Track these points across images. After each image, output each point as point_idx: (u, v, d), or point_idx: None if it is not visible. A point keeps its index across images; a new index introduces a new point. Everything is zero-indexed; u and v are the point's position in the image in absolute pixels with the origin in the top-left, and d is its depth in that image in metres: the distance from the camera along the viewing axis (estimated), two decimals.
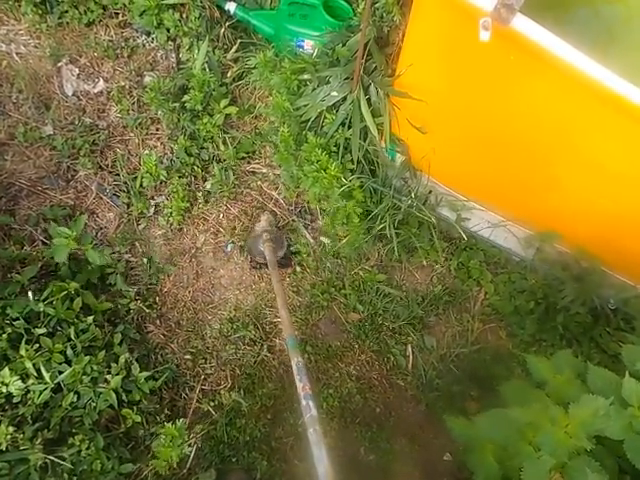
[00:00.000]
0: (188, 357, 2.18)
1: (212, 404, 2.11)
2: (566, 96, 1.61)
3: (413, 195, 2.30)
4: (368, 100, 2.22)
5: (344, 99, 2.26)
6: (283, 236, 2.45)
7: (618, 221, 1.95)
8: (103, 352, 1.92)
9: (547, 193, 2.10)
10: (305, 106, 2.34)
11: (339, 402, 2.19)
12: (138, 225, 2.40)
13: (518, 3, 1.35)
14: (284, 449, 2.10)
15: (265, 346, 2.24)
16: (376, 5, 2.10)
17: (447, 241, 2.49)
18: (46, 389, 1.71)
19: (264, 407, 2.14)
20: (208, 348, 2.21)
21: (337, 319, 2.36)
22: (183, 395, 2.12)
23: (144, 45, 2.68)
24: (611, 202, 1.91)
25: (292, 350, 1.63)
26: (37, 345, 1.80)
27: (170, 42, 2.63)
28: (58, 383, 1.76)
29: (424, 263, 2.47)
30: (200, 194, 2.46)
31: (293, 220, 2.52)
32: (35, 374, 1.73)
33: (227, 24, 2.58)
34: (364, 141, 2.30)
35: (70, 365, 1.80)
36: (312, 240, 2.50)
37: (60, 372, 1.78)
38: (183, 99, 2.45)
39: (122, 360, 1.90)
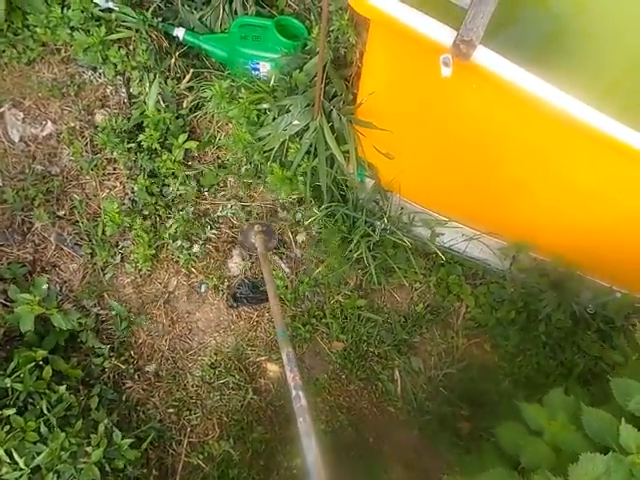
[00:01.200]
0: (171, 410, 2.10)
1: (201, 457, 2.04)
2: (529, 119, 1.59)
3: (386, 218, 2.26)
4: (332, 127, 2.15)
5: (307, 127, 2.19)
6: (274, 228, 2.38)
7: (591, 233, 1.95)
8: (80, 421, 1.83)
9: (518, 206, 2.09)
10: (268, 136, 2.27)
11: (332, 437, 2.15)
12: (104, 275, 2.28)
13: (478, 39, 1.31)
14: None
15: (250, 389, 2.18)
16: (331, 29, 2.04)
17: (424, 258, 2.46)
18: (22, 475, 1.61)
19: (256, 453, 2.08)
20: (192, 398, 2.14)
21: (321, 350, 2.31)
22: (170, 451, 2.05)
23: (91, 81, 2.54)
24: (582, 215, 1.92)
25: (282, 341, 1.63)
26: (8, 427, 1.69)
27: (119, 77, 2.50)
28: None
29: (403, 283, 2.43)
30: (167, 235, 2.36)
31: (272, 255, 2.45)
32: (8, 460, 1.62)
33: (177, 53, 2.47)
34: (331, 168, 2.25)
35: (46, 443, 1.70)
36: (288, 270, 2.44)
37: (36, 453, 1.67)
38: (139, 138, 2.34)
39: (102, 428, 1.81)
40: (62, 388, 1.84)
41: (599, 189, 1.72)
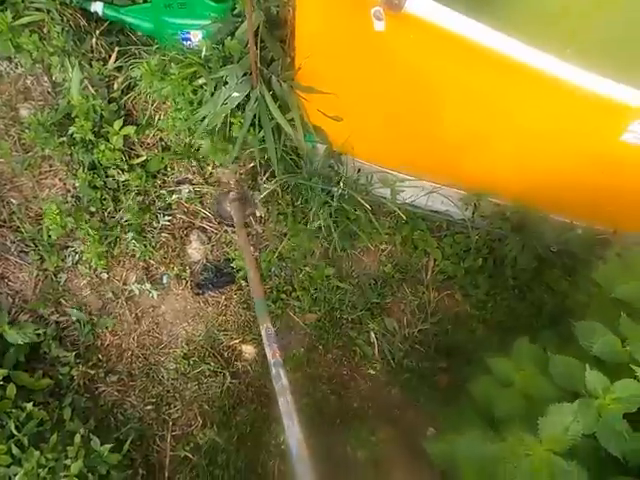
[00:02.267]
0: (150, 407, 2.06)
1: (187, 448, 2.02)
2: (471, 66, 1.52)
3: (342, 182, 2.19)
4: (273, 95, 2.04)
5: (248, 98, 2.07)
6: (249, 194, 2.27)
7: (544, 172, 1.93)
8: (55, 435, 1.77)
9: (471, 153, 2.04)
10: (209, 113, 2.14)
11: (316, 408, 2.16)
12: (58, 280, 2.17)
13: None
14: (272, 472, 2.06)
15: (228, 374, 2.15)
16: None
17: (387, 218, 2.42)
18: None
19: (242, 436, 2.08)
20: (169, 392, 2.10)
21: (295, 324, 2.29)
22: (155, 448, 2.02)
23: (8, 73, 2.33)
24: (533, 156, 1.89)
25: (261, 315, 1.59)
26: None
27: (37, 65, 2.30)
28: None
29: (369, 246, 2.40)
30: (118, 229, 2.24)
31: (225, 231, 2.36)
32: None
33: (98, 31, 2.28)
34: (279, 138, 2.14)
35: (20, 464, 1.64)
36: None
37: (13, 475, 1.62)
38: (70, 131, 2.18)
39: (78, 439, 1.76)
40: (29, 405, 1.77)
41: (546, 129, 1.68)
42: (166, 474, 1.98)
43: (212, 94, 2.10)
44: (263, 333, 1.51)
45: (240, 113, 2.11)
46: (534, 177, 2.01)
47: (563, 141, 1.72)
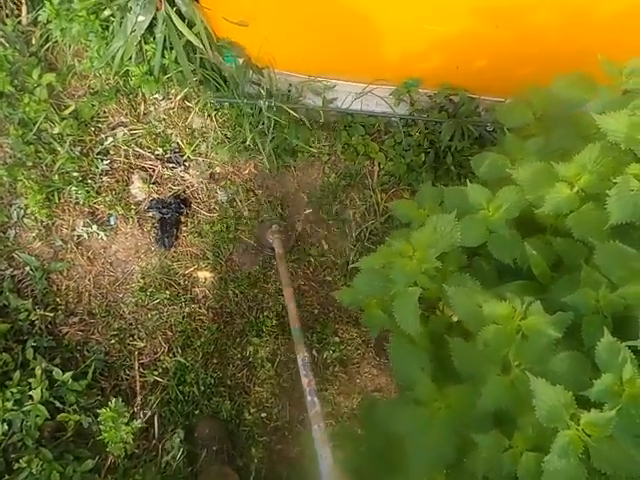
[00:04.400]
0: (114, 341, 2.11)
1: (156, 373, 2.08)
2: None
3: (265, 94, 2.18)
4: (179, 13, 2.02)
5: (155, 20, 2.05)
6: (290, 228, 2.33)
7: (459, 42, 1.90)
8: (18, 372, 1.83)
9: (390, 39, 2.01)
10: (123, 44, 2.12)
11: (277, 320, 2.20)
12: (7, 237, 2.20)
13: None
14: (241, 383, 2.12)
15: (187, 299, 2.19)
16: None
17: (324, 129, 2.42)
18: None
19: (207, 354, 2.13)
20: (131, 324, 2.14)
21: (248, 245, 2.31)
22: (124, 377, 2.08)
23: None
24: (441, 24, 1.85)
25: (298, 343, 1.63)
26: None
27: None
28: None
29: (311, 159, 2.40)
30: (57, 179, 2.25)
31: (165, 167, 2.37)
32: None
33: None
34: (195, 57, 2.13)
35: None
36: (189, 176, 2.38)
37: None
38: None
39: (39, 372, 1.82)
40: None
41: None
42: (138, 399, 2.04)
43: (120, 24, 2.08)
44: (299, 362, 1.53)
45: (152, 39, 2.09)
46: (444, 49, 1.98)
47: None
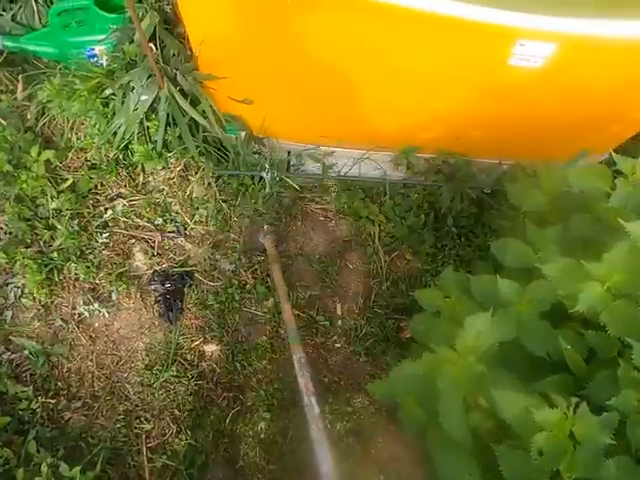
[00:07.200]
0: (120, 425, 2.02)
1: (165, 457, 1.99)
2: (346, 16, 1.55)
3: (268, 165, 2.21)
4: (182, 91, 2.04)
5: (158, 99, 2.06)
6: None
7: (453, 116, 1.97)
8: (22, 470, 1.73)
9: (386, 112, 2.07)
10: (124, 122, 2.12)
11: (288, 392, 2.15)
12: (4, 318, 2.12)
13: None
14: (253, 461, 2.05)
15: (194, 375, 2.13)
16: None
17: (324, 191, 2.45)
18: None
19: (217, 433, 2.06)
20: (137, 406, 2.06)
21: (253, 315, 2.28)
22: (132, 463, 1.98)
23: None
24: (439, 100, 1.92)
25: (293, 344, 1.67)
26: None
27: None
28: None
29: (312, 223, 2.42)
30: (56, 256, 2.20)
31: (166, 237, 2.34)
32: None
33: None
34: (198, 132, 2.15)
35: None
36: (191, 246, 2.36)
37: None
38: None
39: (44, 469, 1.72)
40: None
41: (440, 69, 1.71)
42: None
43: (122, 102, 2.09)
44: (295, 361, 1.56)
45: (155, 116, 2.10)
46: (445, 123, 2.05)
47: (458, 79, 1.75)
